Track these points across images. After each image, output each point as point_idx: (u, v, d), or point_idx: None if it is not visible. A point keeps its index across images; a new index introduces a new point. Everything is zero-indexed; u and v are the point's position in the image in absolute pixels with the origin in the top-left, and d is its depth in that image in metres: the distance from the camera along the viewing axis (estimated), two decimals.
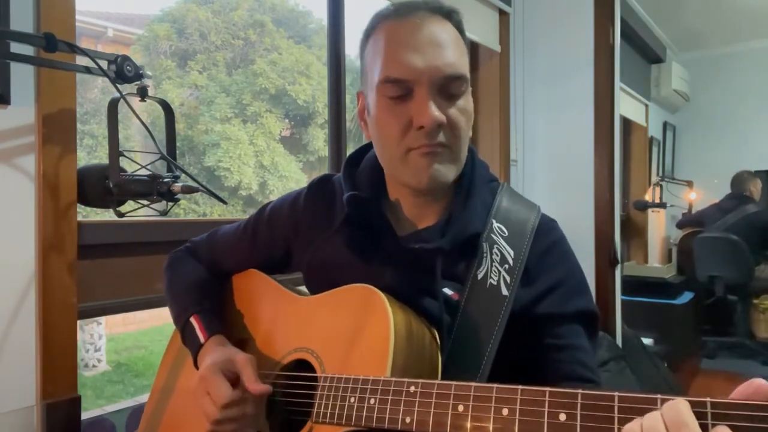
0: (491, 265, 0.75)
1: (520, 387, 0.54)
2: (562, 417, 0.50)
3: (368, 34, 0.77)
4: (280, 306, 0.88)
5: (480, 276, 0.75)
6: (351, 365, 0.71)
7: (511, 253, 0.76)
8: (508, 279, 0.75)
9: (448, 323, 0.73)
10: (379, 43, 0.74)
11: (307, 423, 0.72)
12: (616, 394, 0.47)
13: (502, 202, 0.81)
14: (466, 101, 0.74)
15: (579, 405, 0.50)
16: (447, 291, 0.75)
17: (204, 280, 0.96)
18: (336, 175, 0.90)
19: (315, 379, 0.74)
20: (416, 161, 0.73)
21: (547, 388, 0.52)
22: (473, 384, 0.57)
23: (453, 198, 0.79)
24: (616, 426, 0.47)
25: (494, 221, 0.79)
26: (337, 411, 0.68)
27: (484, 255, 0.76)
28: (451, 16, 0.76)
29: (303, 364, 0.79)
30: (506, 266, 0.75)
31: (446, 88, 0.72)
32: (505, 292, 0.74)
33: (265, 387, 0.76)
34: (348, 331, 0.73)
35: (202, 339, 0.86)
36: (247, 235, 0.96)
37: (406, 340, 0.68)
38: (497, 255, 0.76)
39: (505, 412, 0.54)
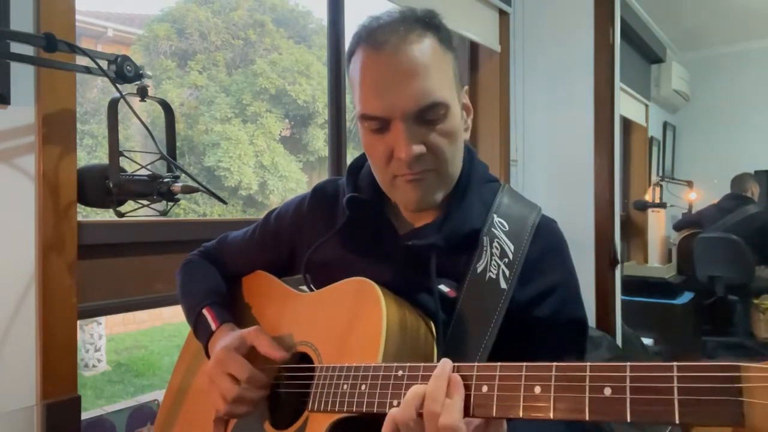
0: (491, 259, 0.76)
1: (498, 364, 0.56)
2: (537, 389, 0.52)
3: (350, 53, 0.76)
4: (283, 303, 0.90)
5: (479, 269, 0.76)
6: (346, 354, 0.72)
7: (511, 247, 0.77)
8: (507, 273, 0.75)
9: (444, 319, 0.74)
10: (356, 71, 0.74)
11: (304, 413, 0.74)
12: (588, 364, 0.51)
13: (503, 200, 0.83)
14: (448, 123, 0.73)
15: (553, 377, 0.52)
16: (443, 288, 0.76)
17: (215, 279, 0.99)
18: (341, 179, 0.93)
19: (313, 370, 0.75)
20: (403, 187, 0.75)
21: (524, 364, 0.54)
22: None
23: (450, 197, 0.80)
24: (587, 395, 0.49)
25: (495, 215, 0.80)
26: (330, 399, 0.69)
27: (484, 248, 0.77)
28: (430, 25, 0.73)
29: (304, 358, 0.80)
30: (506, 260, 0.76)
31: (423, 116, 0.71)
32: (503, 285, 0.74)
33: (281, 353, 0.78)
34: (343, 321, 0.75)
35: (213, 327, 0.89)
36: (254, 240, 0.99)
37: (399, 329, 0.70)
38: (497, 249, 0.77)
39: (484, 389, 0.56)
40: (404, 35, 0.70)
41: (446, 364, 0.59)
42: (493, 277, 0.75)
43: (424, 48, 0.71)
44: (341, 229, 0.84)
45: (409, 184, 0.74)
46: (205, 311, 0.91)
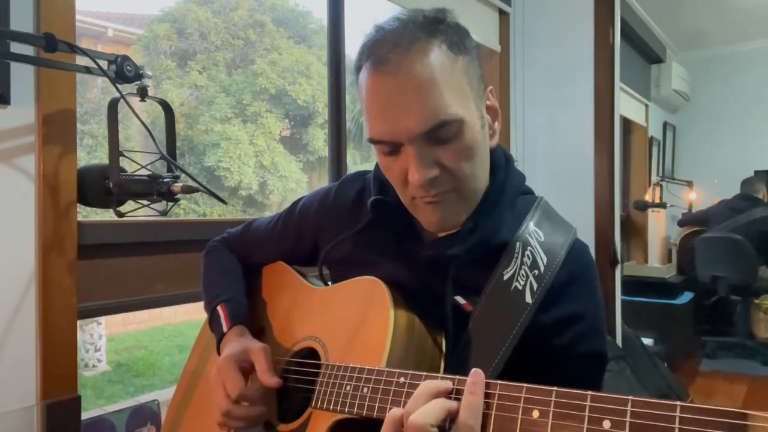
0: (520, 267, 0.71)
1: (499, 382, 0.55)
2: (535, 414, 0.51)
3: (357, 68, 0.71)
4: (297, 296, 0.91)
5: (506, 276, 0.70)
6: (351, 354, 0.73)
7: (545, 259, 0.71)
8: (535, 286, 0.69)
9: (456, 332, 0.71)
10: (362, 91, 0.69)
11: (308, 409, 0.75)
12: (589, 393, 0.49)
13: (538, 212, 0.78)
14: (463, 139, 0.67)
15: (552, 403, 0.51)
16: (460, 300, 0.72)
17: (234, 270, 1.00)
18: (369, 172, 0.89)
19: (319, 366, 0.76)
20: (423, 208, 0.71)
21: (524, 385, 0.53)
22: (457, 377, 0.58)
23: (479, 206, 0.74)
24: (585, 425, 0.48)
25: (531, 223, 0.75)
26: (333, 398, 0.70)
27: (515, 255, 0.71)
28: (436, 30, 0.67)
29: (313, 352, 0.81)
30: (536, 272, 0.70)
31: (433, 137, 0.66)
32: (528, 299, 0.69)
33: (275, 380, 0.78)
34: (351, 321, 0.76)
35: (225, 328, 0.89)
36: (277, 229, 0.98)
37: (405, 335, 0.69)
38: (529, 258, 0.71)
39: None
40: (407, 49, 0.65)
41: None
42: (520, 288, 0.69)
43: (429, 60, 0.65)
44: (364, 228, 0.81)
45: (428, 206, 0.69)
46: (219, 308, 0.92)
